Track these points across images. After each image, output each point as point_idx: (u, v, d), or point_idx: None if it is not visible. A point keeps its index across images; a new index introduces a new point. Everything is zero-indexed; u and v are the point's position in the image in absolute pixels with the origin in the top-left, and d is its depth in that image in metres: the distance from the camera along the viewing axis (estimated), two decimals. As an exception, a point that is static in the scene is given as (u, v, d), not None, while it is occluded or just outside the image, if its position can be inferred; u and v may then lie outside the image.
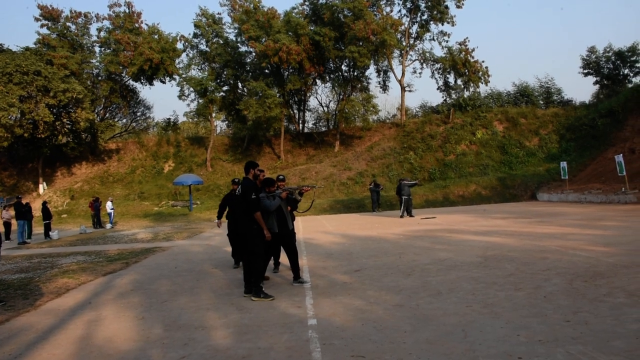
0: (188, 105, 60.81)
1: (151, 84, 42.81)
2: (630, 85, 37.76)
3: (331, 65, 42.73)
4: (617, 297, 5.74)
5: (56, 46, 38.59)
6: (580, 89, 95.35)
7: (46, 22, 40.82)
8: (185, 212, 32.16)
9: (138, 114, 49.49)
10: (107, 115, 46.48)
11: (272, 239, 7.60)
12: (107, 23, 42.46)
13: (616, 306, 5.35)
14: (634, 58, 38.84)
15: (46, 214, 22.04)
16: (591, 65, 40.61)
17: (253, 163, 7.63)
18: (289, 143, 43.79)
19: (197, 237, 17.90)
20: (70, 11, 41.95)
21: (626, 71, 39.73)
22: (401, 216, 21.62)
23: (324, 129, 48.77)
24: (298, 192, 8.61)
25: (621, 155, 23.75)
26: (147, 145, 44.91)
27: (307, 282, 7.89)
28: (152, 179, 40.77)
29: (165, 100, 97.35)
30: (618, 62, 39.41)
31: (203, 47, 42.93)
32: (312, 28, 38.94)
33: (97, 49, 44.06)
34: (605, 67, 40.13)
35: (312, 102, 56.23)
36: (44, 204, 22.94)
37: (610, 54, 39.58)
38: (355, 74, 42.69)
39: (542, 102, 42.77)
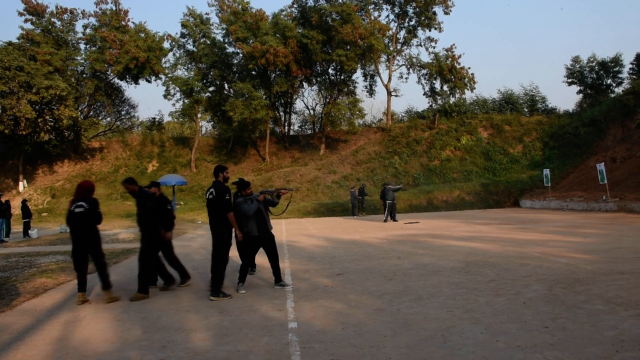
0: (173, 105, 60.64)
1: (137, 82, 42.50)
2: (612, 95, 38.37)
3: (318, 68, 42.78)
4: (595, 304, 5.80)
5: (40, 42, 38.07)
6: (564, 98, 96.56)
7: (30, 17, 40.20)
8: (169, 212, 31.82)
9: (122, 112, 48.92)
10: (91, 113, 45.90)
11: (252, 242, 7.60)
12: (93, 20, 42.15)
13: (594, 313, 5.41)
14: (617, 68, 39.36)
15: (26, 212, 21.63)
16: (575, 74, 41.06)
17: (222, 167, 7.68)
18: (274, 145, 43.73)
19: (180, 239, 17.73)
20: (56, 7, 41.53)
21: (609, 81, 40.26)
22: (385, 220, 21.66)
23: (309, 131, 48.87)
24: (276, 195, 8.60)
25: (603, 164, 24.09)
26: (131, 145, 44.52)
27: (289, 285, 7.86)
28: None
29: (150, 100, 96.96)
30: (601, 72, 39.91)
31: (190, 47, 42.76)
32: (299, 31, 39.01)
33: (82, 46, 43.58)
34: (589, 76, 40.60)
35: (299, 104, 56.45)
36: (24, 202, 22.53)
37: (594, 64, 40.07)
38: (342, 77, 42.86)
39: (526, 110, 43.20)
